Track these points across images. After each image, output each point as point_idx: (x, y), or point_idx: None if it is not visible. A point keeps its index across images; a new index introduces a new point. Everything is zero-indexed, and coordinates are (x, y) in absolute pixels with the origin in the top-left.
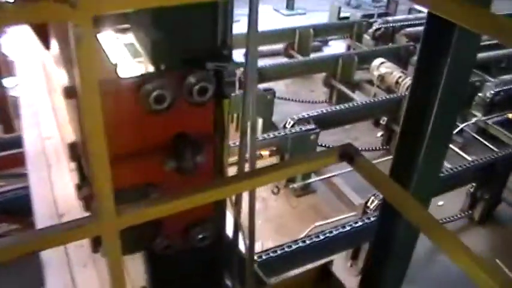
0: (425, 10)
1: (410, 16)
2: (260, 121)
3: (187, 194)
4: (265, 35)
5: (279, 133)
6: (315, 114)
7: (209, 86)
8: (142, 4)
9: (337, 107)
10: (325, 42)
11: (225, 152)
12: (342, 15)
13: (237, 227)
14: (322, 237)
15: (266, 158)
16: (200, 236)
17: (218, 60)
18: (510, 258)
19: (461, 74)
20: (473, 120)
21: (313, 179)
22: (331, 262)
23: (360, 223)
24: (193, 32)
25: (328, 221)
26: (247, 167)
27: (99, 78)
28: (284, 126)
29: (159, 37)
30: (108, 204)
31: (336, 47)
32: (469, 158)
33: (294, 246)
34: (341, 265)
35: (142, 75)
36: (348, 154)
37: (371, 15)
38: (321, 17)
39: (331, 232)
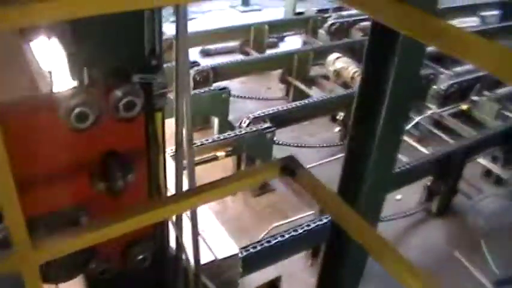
0: None
1: None
2: (216, 121)
3: (117, 219)
4: (219, 32)
5: (235, 133)
6: (271, 112)
7: (137, 100)
8: (43, 19)
9: (294, 104)
10: (281, 38)
11: (161, 168)
12: (298, 10)
13: (179, 246)
14: (280, 238)
15: (222, 159)
16: (140, 257)
17: (146, 71)
18: (468, 249)
19: (411, 67)
20: (429, 113)
21: None
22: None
23: (318, 222)
24: (117, 42)
25: (287, 220)
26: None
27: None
28: (239, 126)
29: (79, 48)
30: (21, 237)
31: (292, 42)
32: (426, 151)
33: (252, 250)
34: (302, 264)
35: (62, 90)
36: (289, 168)
37: (326, 10)
38: (277, 13)
39: (289, 233)
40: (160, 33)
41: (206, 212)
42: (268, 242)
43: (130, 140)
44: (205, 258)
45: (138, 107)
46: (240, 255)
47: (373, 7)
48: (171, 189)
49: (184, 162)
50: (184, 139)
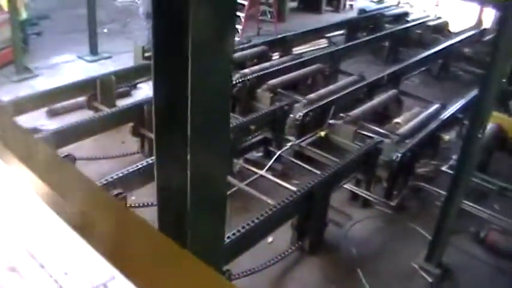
0: None
1: None
2: None
3: None
4: (64, 89)
5: None
6: (120, 175)
7: None
8: None
9: (144, 162)
10: (134, 86)
11: None
12: (147, 54)
13: None
14: None
15: None
16: None
17: None
18: (346, 281)
19: None
20: (288, 145)
21: None
22: None
23: None
24: None
25: None
26: None
27: None
28: None
29: None
30: None
31: (146, 89)
32: (291, 187)
33: None
34: None
35: None
36: None
37: None
38: (128, 59)
39: None
40: None
41: None
42: None
43: None
44: None
45: None
46: None
47: None
48: None
49: None
50: None
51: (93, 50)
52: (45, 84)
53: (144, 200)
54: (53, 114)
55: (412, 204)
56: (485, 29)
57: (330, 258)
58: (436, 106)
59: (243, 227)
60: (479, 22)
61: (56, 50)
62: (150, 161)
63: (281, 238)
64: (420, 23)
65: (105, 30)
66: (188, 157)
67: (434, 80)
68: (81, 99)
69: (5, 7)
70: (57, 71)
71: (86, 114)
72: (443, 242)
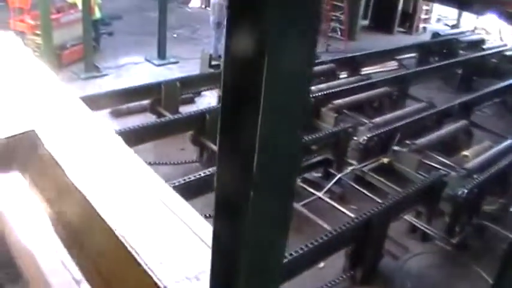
0: None
1: None
2: None
3: None
4: (128, 92)
5: None
6: (177, 184)
7: None
8: None
9: (202, 173)
10: (198, 93)
11: None
12: (214, 63)
13: None
14: None
15: None
16: None
17: None
18: None
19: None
20: (349, 169)
21: None
22: None
23: None
24: None
25: None
26: None
27: None
28: None
29: None
30: None
31: (210, 97)
32: (349, 213)
33: None
34: None
35: None
36: None
37: None
38: (194, 65)
39: None
40: None
41: None
42: None
43: None
44: None
45: None
46: None
47: None
48: None
49: None
50: None
51: (161, 54)
52: (112, 84)
53: (198, 211)
54: (117, 115)
55: (475, 243)
56: None
57: None
58: (508, 141)
59: (296, 251)
60: None
61: (125, 51)
62: (208, 173)
63: (332, 264)
64: (497, 52)
65: (175, 35)
66: (251, 194)
67: (508, 113)
68: (145, 102)
69: (79, 5)
70: (125, 71)
71: (148, 118)
72: None
